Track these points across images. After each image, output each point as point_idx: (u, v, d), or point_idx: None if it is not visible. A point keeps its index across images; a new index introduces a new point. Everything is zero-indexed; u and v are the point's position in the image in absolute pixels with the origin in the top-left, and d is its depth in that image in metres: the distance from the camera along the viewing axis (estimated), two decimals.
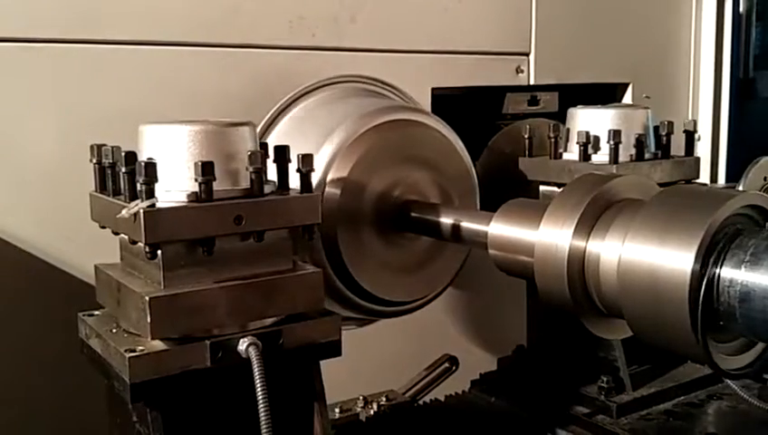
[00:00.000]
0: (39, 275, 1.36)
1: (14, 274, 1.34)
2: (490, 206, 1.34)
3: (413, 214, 1.42)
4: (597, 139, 1.54)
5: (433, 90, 1.72)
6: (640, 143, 1.54)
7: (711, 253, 0.93)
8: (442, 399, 1.69)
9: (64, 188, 1.33)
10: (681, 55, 2.25)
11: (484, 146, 1.72)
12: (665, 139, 1.59)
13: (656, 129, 1.60)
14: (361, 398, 1.61)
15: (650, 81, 2.14)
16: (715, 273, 0.93)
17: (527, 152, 1.66)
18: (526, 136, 1.67)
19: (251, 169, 1.04)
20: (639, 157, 1.54)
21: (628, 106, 1.71)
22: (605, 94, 2.13)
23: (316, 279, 1.11)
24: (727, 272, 0.92)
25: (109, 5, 1.37)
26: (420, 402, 1.71)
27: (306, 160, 1.12)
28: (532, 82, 1.89)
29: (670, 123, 1.59)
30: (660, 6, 2.19)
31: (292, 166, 1.13)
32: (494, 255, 1.26)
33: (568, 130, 1.62)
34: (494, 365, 1.90)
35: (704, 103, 2.35)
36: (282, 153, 1.13)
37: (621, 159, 1.51)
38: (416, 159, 1.47)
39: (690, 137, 1.62)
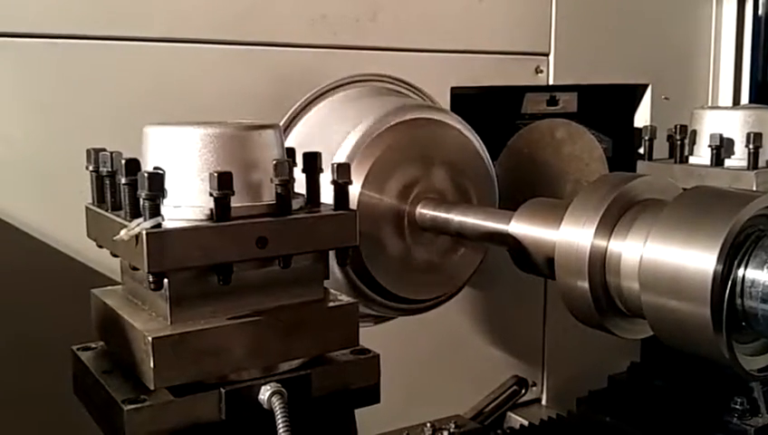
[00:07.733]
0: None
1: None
2: (509, 205, 1.34)
3: (432, 212, 1.42)
4: (731, 142, 1.42)
5: (452, 89, 1.72)
6: None
7: (733, 254, 0.93)
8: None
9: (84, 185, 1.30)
10: (701, 57, 2.24)
11: (502, 145, 1.72)
12: None
13: None
14: (429, 425, 1.51)
15: (670, 82, 2.13)
16: (737, 273, 0.93)
17: (647, 156, 1.53)
18: (646, 138, 1.53)
19: (276, 182, 0.89)
20: None
21: (758, 107, 1.57)
22: (624, 95, 2.12)
23: (352, 311, 0.96)
24: (749, 272, 0.92)
25: (128, 1, 1.37)
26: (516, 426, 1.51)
27: (342, 171, 0.96)
28: (551, 83, 1.88)
29: None
30: (680, 8, 2.18)
31: (324, 176, 0.98)
32: (514, 254, 1.26)
33: (693, 131, 1.51)
34: (509, 368, 1.90)
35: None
36: (312, 161, 0.97)
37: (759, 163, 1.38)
38: (435, 158, 1.47)
39: None
